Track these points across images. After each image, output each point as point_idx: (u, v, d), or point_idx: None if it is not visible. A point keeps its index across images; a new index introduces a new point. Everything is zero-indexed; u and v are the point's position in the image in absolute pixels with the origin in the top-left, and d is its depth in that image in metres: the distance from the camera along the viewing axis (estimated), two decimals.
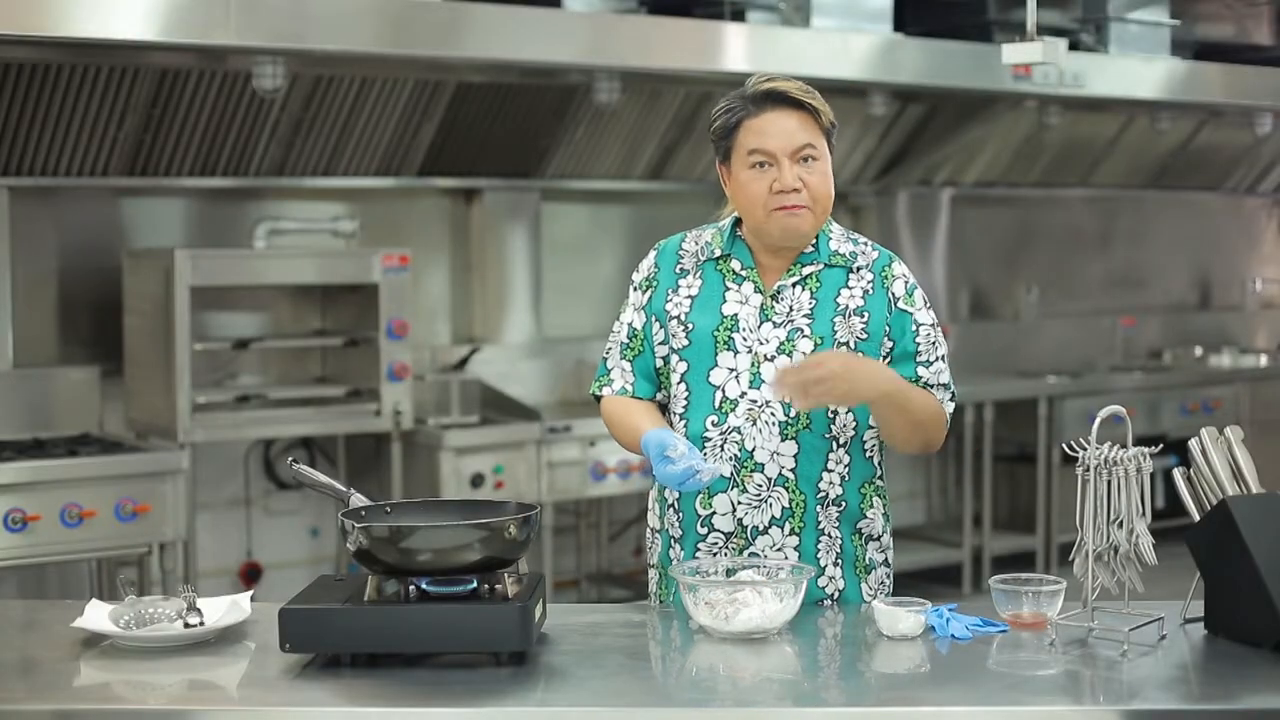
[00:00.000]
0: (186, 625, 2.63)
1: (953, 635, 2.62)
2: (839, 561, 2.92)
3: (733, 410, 2.89)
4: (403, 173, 6.38)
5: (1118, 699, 2.37)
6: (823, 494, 2.90)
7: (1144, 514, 2.58)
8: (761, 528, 2.89)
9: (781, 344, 2.89)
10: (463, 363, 6.51)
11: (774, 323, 2.91)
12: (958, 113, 7.45)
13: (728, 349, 2.91)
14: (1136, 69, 7.38)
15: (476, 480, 5.94)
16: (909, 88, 6.86)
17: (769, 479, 2.88)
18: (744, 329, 2.91)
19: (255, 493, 6.31)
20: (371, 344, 5.90)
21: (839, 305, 2.91)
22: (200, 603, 2.69)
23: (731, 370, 2.91)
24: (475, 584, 2.51)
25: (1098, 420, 2.58)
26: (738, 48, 6.14)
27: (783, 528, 2.88)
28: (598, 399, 3.06)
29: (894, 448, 2.97)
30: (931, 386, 2.92)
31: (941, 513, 8.12)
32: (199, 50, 5.30)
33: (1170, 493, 2.81)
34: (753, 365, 2.90)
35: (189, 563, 5.37)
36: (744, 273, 2.95)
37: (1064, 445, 2.73)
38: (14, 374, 5.64)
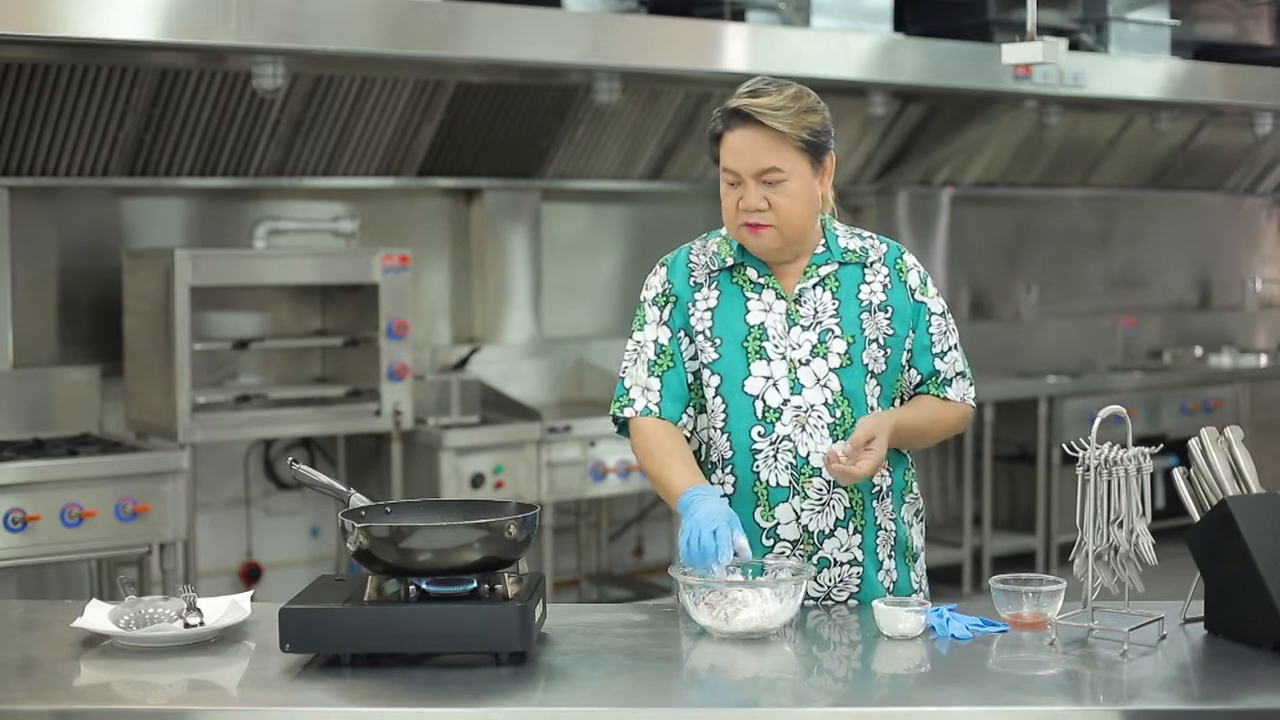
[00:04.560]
0: (186, 625, 2.63)
1: (953, 635, 2.62)
2: (893, 554, 2.97)
3: (778, 419, 2.88)
4: (403, 173, 6.38)
5: (1118, 699, 2.37)
6: (876, 488, 2.93)
7: (1144, 514, 2.58)
8: (828, 531, 2.89)
9: (814, 347, 2.90)
10: (463, 363, 6.51)
11: (802, 326, 2.91)
12: (958, 113, 7.45)
13: (760, 358, 2.90)
14: (1136, 69, 7.38)
15: (476, 480, 5.94)
16: (909, 88, 6.86)
17: (828, 482, 2.88)
18: (773, 336, 2.91)
19: (255, 493, 6.31)
20: (371, 344, 5.90)
21: (861, 302, 2.93)
22: (200, 603, 2.69)
23: (768, 379, 2.89)
24: (475, 584, 2.51)
25: (1098, 420, 2.58)
26: (738, 48, 6.14)
27: (847, 528, 2.90)
28: (618, 421, 2.98)
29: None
30: (950, 380, 2.98)
31: (941, 513, 8.12)
32: (199, 50, 5.29)
33: (1170, 493, 2.81)
34: (790, 371, 2.89)
35: (189, 563, 5.37)
36: (761, 280, 2.94)
37: (1064, 445, 2.73)
38: (14, 374, 5.64)
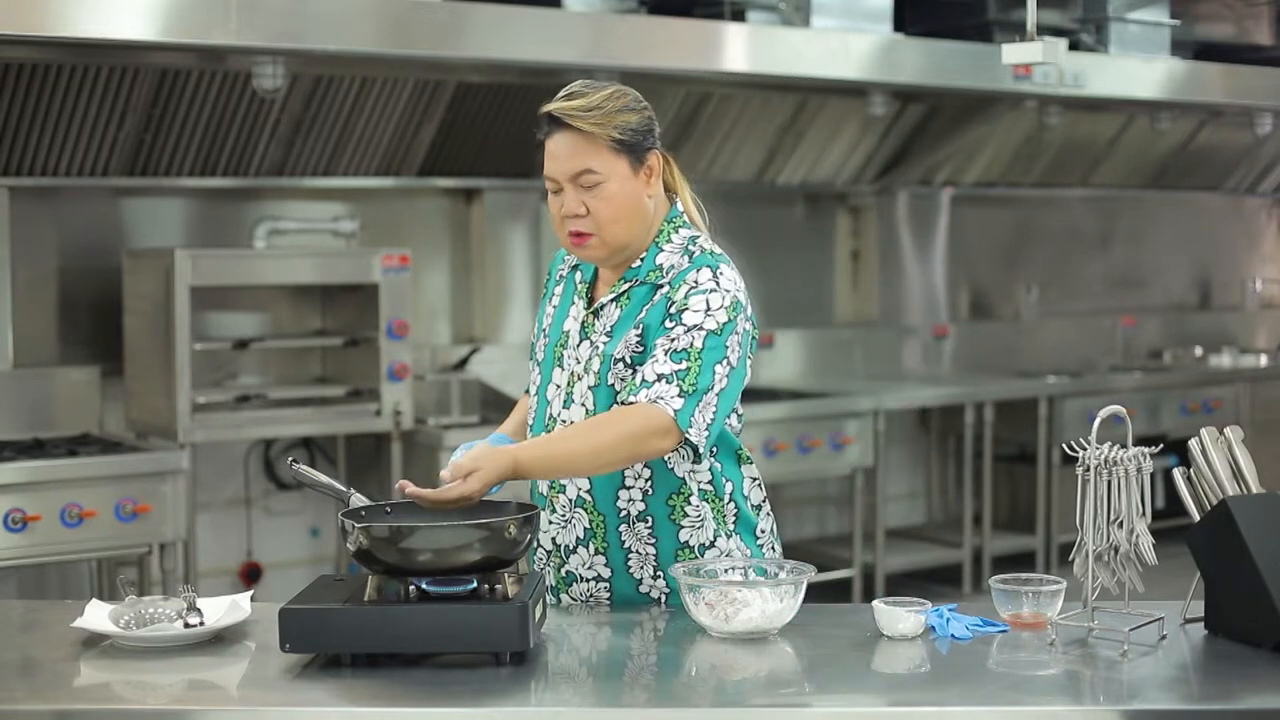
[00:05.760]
0: (186, 625, 2.63)
1: (953, 635, 2.62)
2: (658, 574, 2.85)
3: (553, 429, 2.85)
4: (403, 173, 6.38)
5: (1118, 699, 2.37)
6: (623, 512, 2.83)
7: (1144, 514, 2.58)
8: (570, 547, 2.88)
9: (585, 363, 2.84)
10: (463, 363, 6.51)
11: (591, 340, 2.85)
12: (958, 113, 7.45)
13: (558, 365, 2.89)
14: (1136, 69, 7.38)
15: None
16: (909, 88, 6.86)
17: (570, 500, 2.86)
18: (570, 346, 2.88)
19: (255, 493, 6.31)
20: (371, 344, 5.90)
21: (636, 322, 2.82)
22: (200, 603, 2.69)
23: (558, 388, 2.88)
24: (475, 584, 2.51)
25: (1098, 420, 2.58)
26: (738, 48, 6.14)
27: (588, 547, 2.86)
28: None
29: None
30: (650, 381, 2.68)
31: (941, 513, 8.12)
32: (199, 50, 5.29)
33: (1170, 493, 2.81)
34: (568, 383, 2.86)
35: (189, 563, 5.37)
36: (580, 287, 2.92)
37: (1064, 445, 2.73)
38: (14, 374, 5.64)
